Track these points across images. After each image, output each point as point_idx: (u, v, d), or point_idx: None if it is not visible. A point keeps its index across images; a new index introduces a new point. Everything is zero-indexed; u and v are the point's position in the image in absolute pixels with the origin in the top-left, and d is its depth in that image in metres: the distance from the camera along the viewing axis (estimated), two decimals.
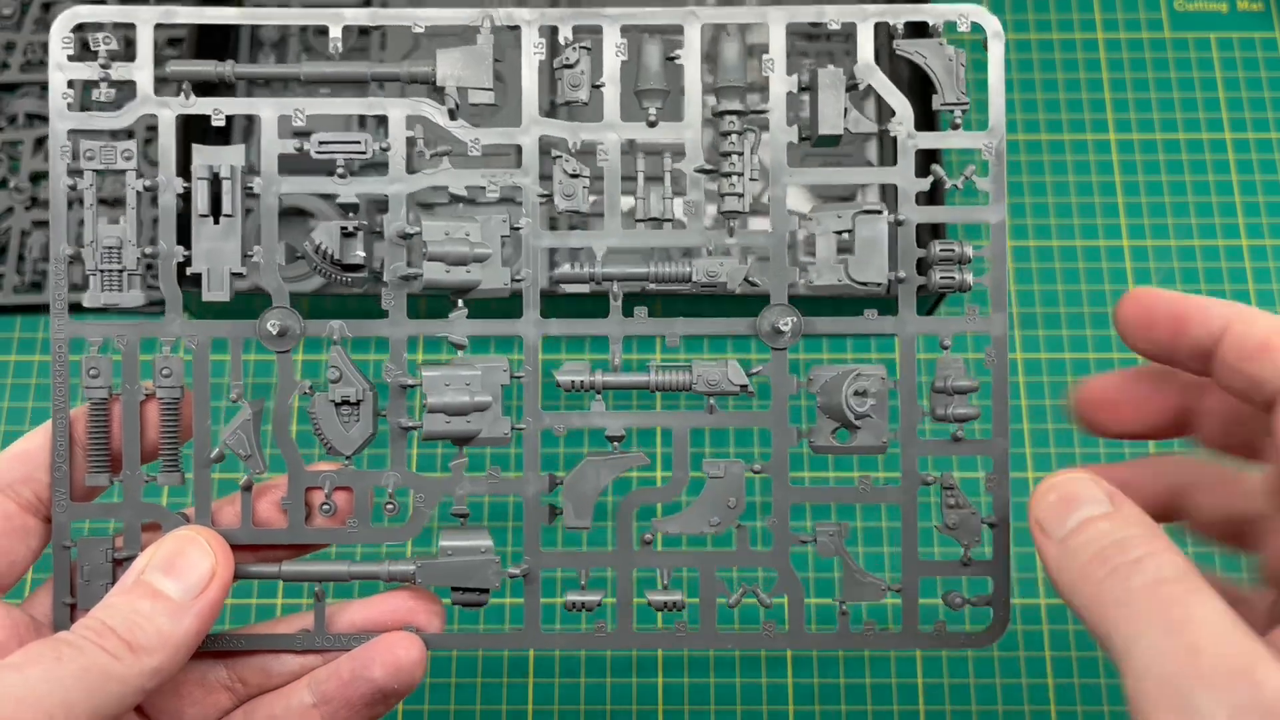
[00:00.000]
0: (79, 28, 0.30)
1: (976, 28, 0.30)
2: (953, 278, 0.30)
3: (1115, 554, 0.24)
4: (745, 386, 0.30)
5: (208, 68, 0.30)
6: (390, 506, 0.30)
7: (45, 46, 0.51)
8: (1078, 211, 0.49)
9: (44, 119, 0.51)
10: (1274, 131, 0.50)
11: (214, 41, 0.47)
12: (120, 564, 0.30)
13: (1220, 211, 0.49)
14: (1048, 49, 0.52)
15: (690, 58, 0.30)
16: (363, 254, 0.30)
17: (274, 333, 0.30)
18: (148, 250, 0.30)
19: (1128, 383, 0.30)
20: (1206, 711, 0.21)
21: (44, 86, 0.51)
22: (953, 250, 0.30)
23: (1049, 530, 0.26)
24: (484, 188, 0.30)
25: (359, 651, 0.29)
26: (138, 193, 0.30)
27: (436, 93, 0.30)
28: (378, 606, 0.30)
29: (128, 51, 0.30)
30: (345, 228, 0.30)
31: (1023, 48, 0.52)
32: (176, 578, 0.27)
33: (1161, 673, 0.22)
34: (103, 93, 0.30)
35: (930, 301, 0.41)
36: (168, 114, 0.30)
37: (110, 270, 0.30)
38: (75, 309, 0.30)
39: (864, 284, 0.30)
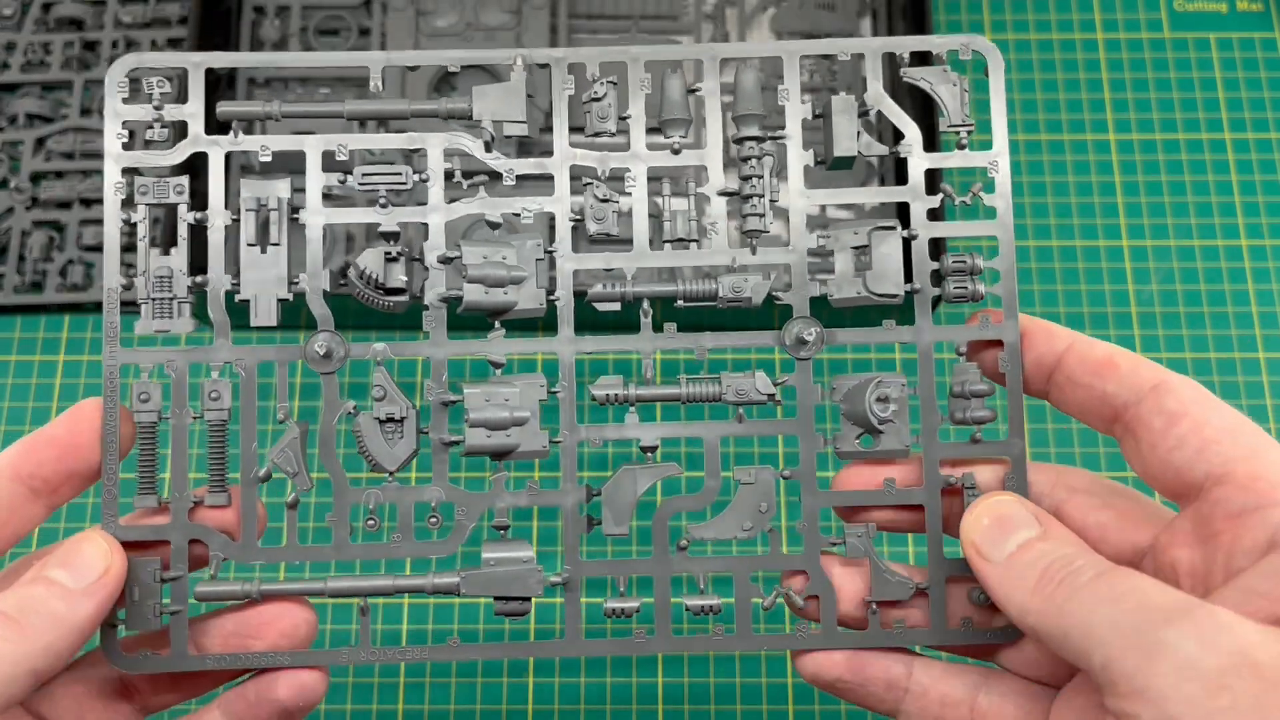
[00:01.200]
0: (133, 73, 0.32)
1: (979, 56, 0.32)
2: (965, 288, 0.31)
3: (1060, 569, 0.26)
4: (773, 396, 0.31)
5: (255, 108, 0.32)
6: (434, 521, 0.31)
7: (45, 47, 0.52)
8: (1078, 211, 0.50)
9: (45, 119, 0.52)
10: (1274, 131, 0.51)
11: (215, 42, 0.49)
12: (165, 583, 0.30)
13: (1220, 211, 0.50)
14: (1048, 49, 0.53)
15: (710, 90, 0.32)
16: (405, 278, 0.31)
17: (320, 354, 0.31)
18: (197, 280, 0.31)
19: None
20: (1174, 641, 0.23)
21: (44, 86, 0.52)
22: (965, 262, 0.31)
23: (987, 554, 0.28)
24: (519, 214, 0.32)
25: (264, 673, 0.30)
26: (189, 225, 0.31)
27: (473, 127, 0.32)
28: (247, 613, 0.31)
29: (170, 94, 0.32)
30: (388, 253, 0.31)
31: (1022, 48, 0.53)
32: (71, 570, 0.28)
33: (1122, 635, 0.23)
34: (156, 133, 0.31)
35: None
36: (217, 151, 0.32)
37: (161, 299, 0.31)
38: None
39: (882, 295, 0.31)
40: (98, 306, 0.49)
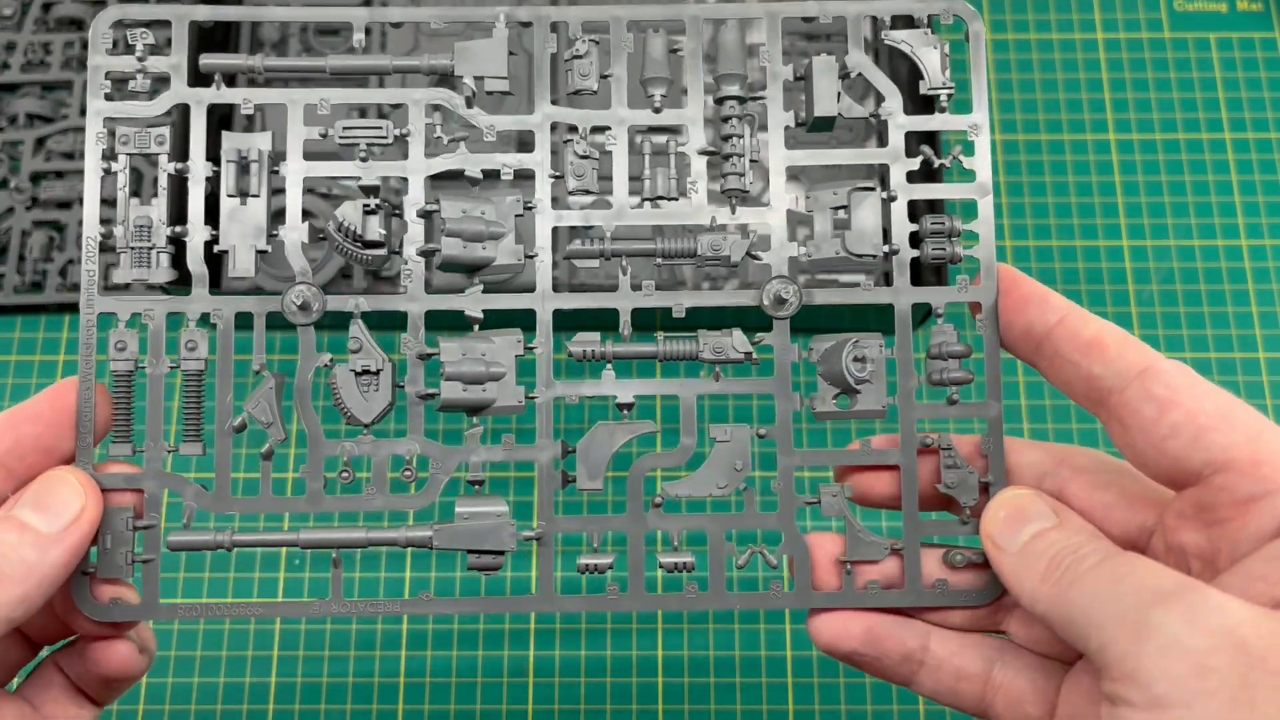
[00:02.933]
0: (118, 24, 0.32)
1: (959, 21, 0.32)
2: (944, 249, 0.31)
3: (1067, 556, 0.26)
4: (750, 354, 0.31)
5: (238, 61, 0.32)
6: (408, 474, 0.31)
7: (45, 47, 0.53)
8: (1078, 211, 0.50)
9: (45, 119, 0.52)
10: (1274, 131, 0.51)
11: (214, 41, 0.49)
12: (138, 531, 0.30)
13: (1220, 211, 0.50)
14: (1048, 49, 0.53)
15: (691, 49, 0.32)
16: (383, 231, 0.31)
17: (297, 305, 0.31)
18: (176, 229, 0.31)
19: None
20: (1162, 621, 0.23)
21: (44, 86, 0.52)
22: (943, 224, 0.31)
23: (1002, 544, 0.28)
24: (499, 171, 0.32)
25: (92, 652, 0.30)
26: (169, 175, 0.31)
27: (448, 82, 0.32)
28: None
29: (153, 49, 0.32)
30: (367, 205, 0.31)
31: (1023, 48, 0.53)
32: (44, 513, 0.28)
33: (1117, 614, 0.24)
34: (139, 84, 0.32)
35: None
36: (199, 104, 0.32)
37: (140, 248, 0.31)
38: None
39: (860, 256, 0.31)
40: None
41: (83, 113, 0.52)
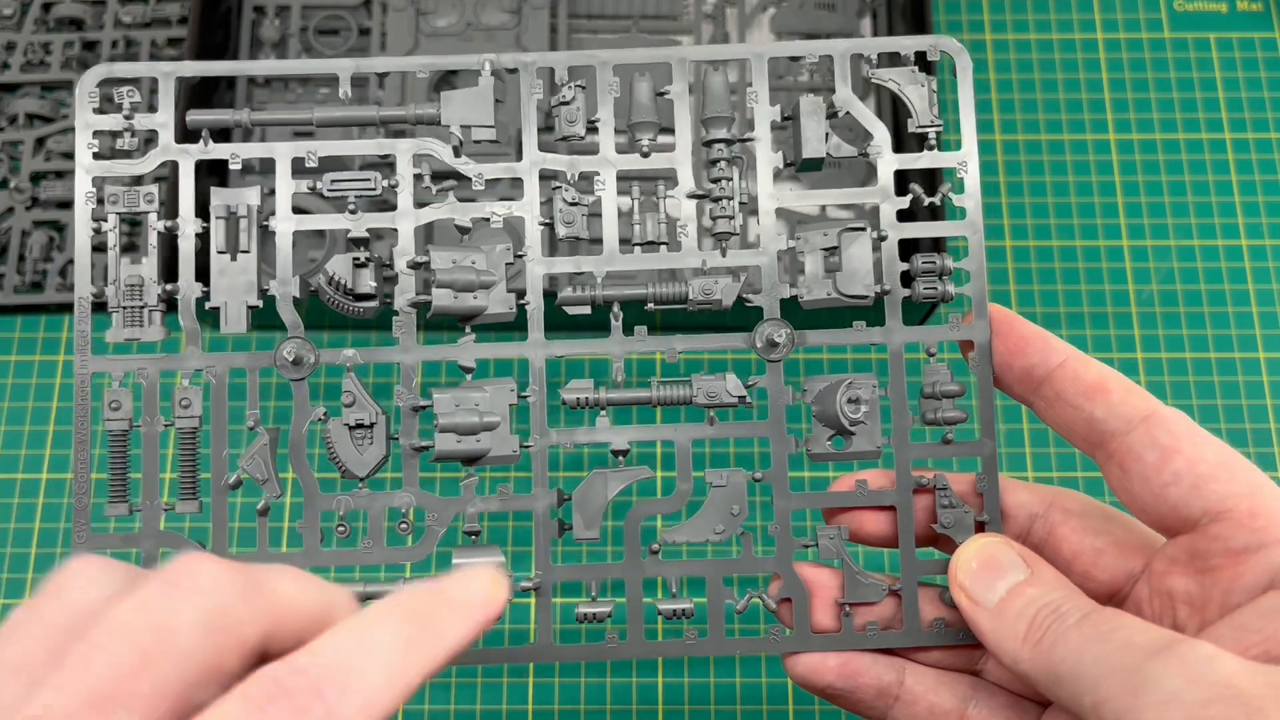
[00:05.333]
0: (104, 83, 0.32)
1: (946, 58, 0.32)
2: (935, 288, 0.31)
3: (1047, 616, 0.26)
4: (744, 398, 0.31)
5: (225, 116, 0.32)
6: (404, 526, 0.31)
7: (45, 47, 0.53)
8: (1078, 211, 0.50)
9: (45, 119, 0.52)
10: (1274, 131, 0.51)
11: (214, 41, 0.49)
12: None
13: (1220, 211, 0.50)
14: (1047, 49, 0.53)
15: (679, 93, 0.32)
16: (374, 284, 0.31)
17: (290, 360, 0.31)
18: (168, 287, 0.31)
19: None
20: (1159, 676, 0.23)
21: (44, 86, 0.52)
22: (934, 263, 0.31)
23: (977, 599, 0.28)
24: (488, 219, 0.32)
25: None
26: (159, 233, 0.31)
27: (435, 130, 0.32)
28: None
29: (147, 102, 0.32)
30: (357, 259, 0.31)
31: (1022, 48, 0.53)
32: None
33: (1110, 671, 0.24)
34: (127, 142, 0.32)
35: (921, 313, 0.43)
36: (188, 160, 0.32)
37: (132, 307, 0.31)
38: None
39: (852, 297, 0.31)
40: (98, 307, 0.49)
41: None
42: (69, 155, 0.51)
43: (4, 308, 0.49)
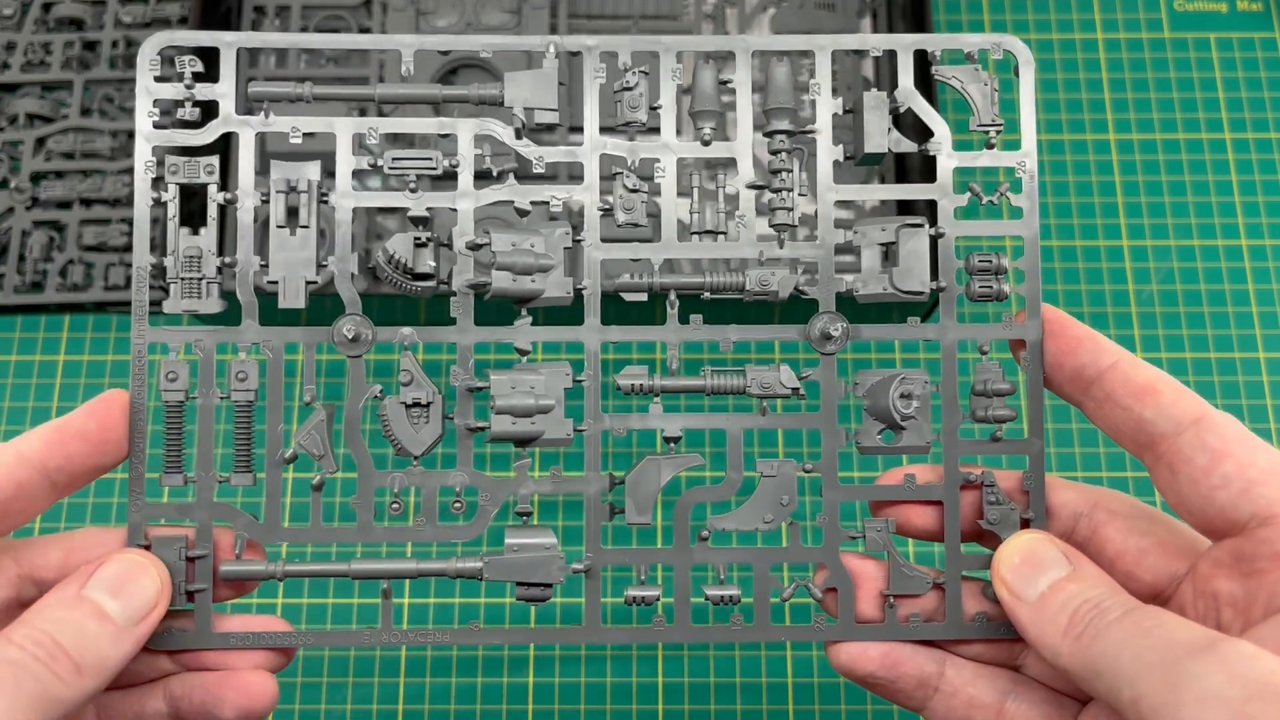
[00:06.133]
0: (165, 50, 0.32)
1: (1009, 55, 0.32)
2: (990, 287, 0.32)
3: (1089, 611, 0.27)
4: (797, 389, 0.32)
5: (288, 89, 0.32)
6: (458, 505, 0.31)
7: (45, 47, 0.52)
8: (1078, 211, 0.51)
9: (45, 119, 0.51)
10: (1274, 131, 0.52)
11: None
12: (193, 562, 0.31)
13: (1220, 211, 0.50)
14: (1047, 49, 0.53)
15: (742, 82, 0.32)
16: (433, 264, 0.31)
17: (348, 337, 0.31)
18: (227, 260, 0.31)
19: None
20: (1200, 673, 0.23)
21: (44, 86, 0.52)
22: (990, 261, 0.32)
23: (1019, 593, 0.28)
24: (548, 202, 0.32)
25: (213, 685, 0.30)
26: (219, 205, 0.31)
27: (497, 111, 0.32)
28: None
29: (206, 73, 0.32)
30: (417, 238, 0.31)
31: None
32: (123, 601, 0.28)
33: (1150, 667, 0.24)
34: (188, 112, 0.31)
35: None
36: (248, 132, 0.32)
37: (190, 278, 0.31)
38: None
39: (908, 293, 0.32)
40: (98, 306, 0.49)
41: (83, 112, 0.52)
42: (69, 155, 0.51)
43: (4, 308, 0.48)
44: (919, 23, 0.48)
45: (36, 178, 0.51)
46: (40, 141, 0.51)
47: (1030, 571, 0.29)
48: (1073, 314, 0.48)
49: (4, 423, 0.47)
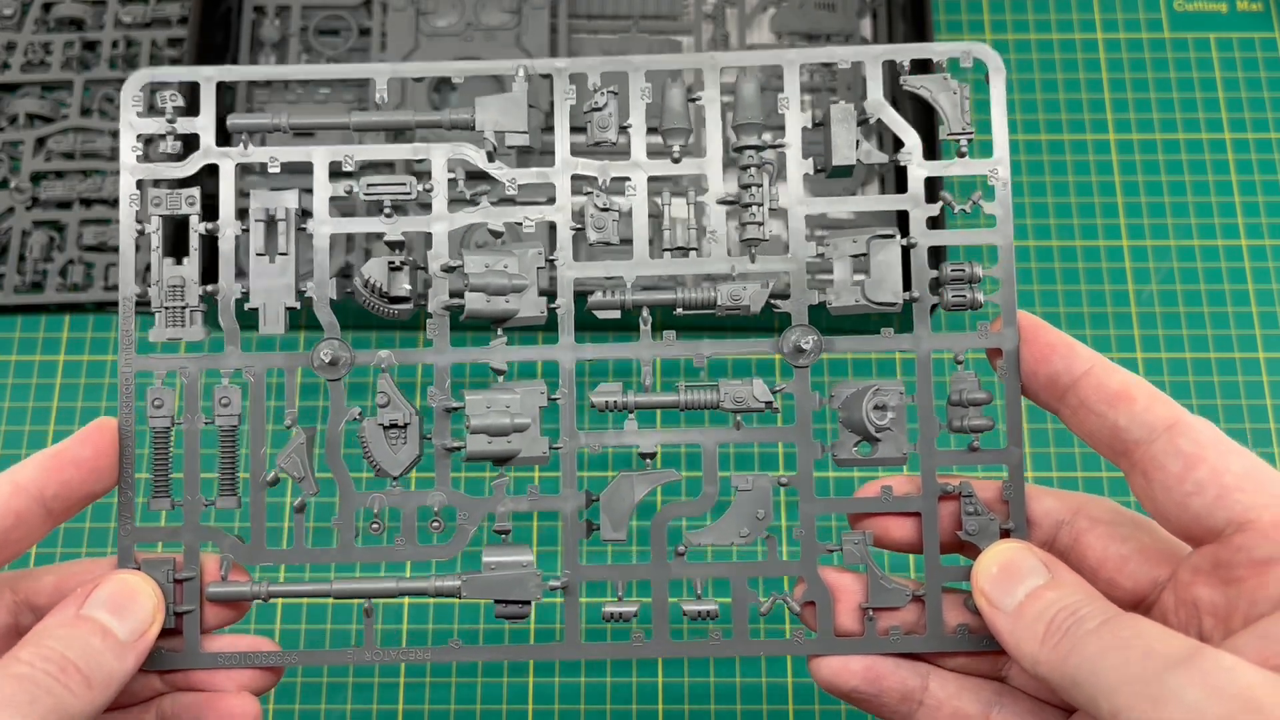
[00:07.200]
0: (147, 87, 0.33)
1: (979, 64, 0.32)
2: (964, 296, 0.32)
3: (1066, 619, 0.26)
4: (770, 403, 0.32)
5: (264, 120, 0.32)
6: (436, 525, 0.32)
7: (45, 47, 0.53)
8: (1078, 211, 0.50)
9: (45, 119, 0.52)
10: (1274, 131, 0.51)
11: (215, 42, 0.49)
12: (180, 584, 0.31)
13: (1220, 211, 0.50)
14: (1047, 49, 0.53)
15: (710, 99, 0.32)
16: (409, 287, 0.32)
17: (326, 361, 0.32)
18: (209, 288, 0.32)
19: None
20: (1179, 687, 0.23)
21: (44, 86, 0.53)
22: (963, 270, 0.31)
23: (997, 603, 0.28)
24: (520, 223, 0.32)
25: (198, 706, 0.30)
26: (200, 235, 0.32)
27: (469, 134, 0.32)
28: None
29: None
30: (392, 262, 0.32)
31: (1022, 48, 0.53)
32: (123, 617, 0.28)
33: (1129, 679, 0.24)
34: (169, 145, 0.32)
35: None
36: (228, 163, 0.32)
37: (174, 307, 0.32)
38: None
39: (880, 304, 0.32)
40: (98, 306, 0.50)
41: (83, 112, 0.53)
42: (69, 155, 0.52)
43: (4, 308, 0.49)
44: (919, 23, 0.48)
45: (36, 178, 0.51)
46: (40, 141, 0.52)
47: (1008, 581, 0.28)
48: (1073, 314, 0.48)
49: (4, 422, 0.48)
